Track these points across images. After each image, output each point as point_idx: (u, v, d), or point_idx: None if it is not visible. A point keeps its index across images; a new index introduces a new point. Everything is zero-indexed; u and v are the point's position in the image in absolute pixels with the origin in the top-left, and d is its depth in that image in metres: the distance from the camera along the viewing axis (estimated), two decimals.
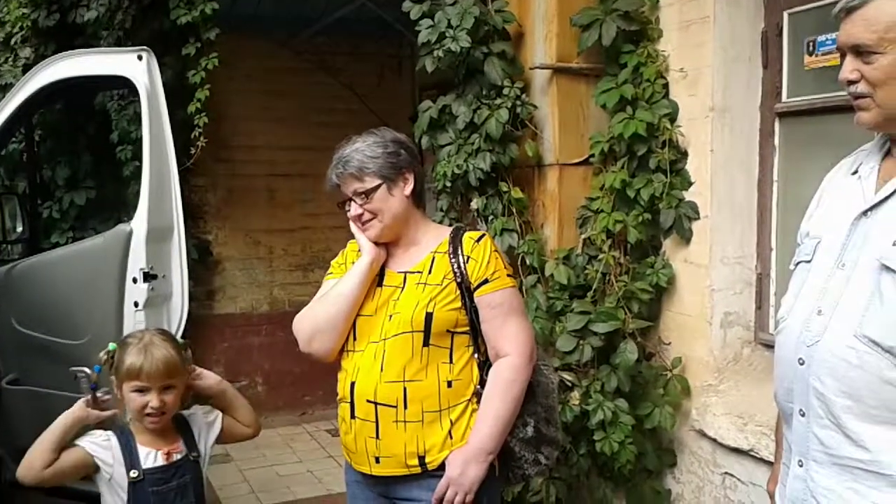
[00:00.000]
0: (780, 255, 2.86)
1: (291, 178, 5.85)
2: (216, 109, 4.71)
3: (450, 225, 2.61)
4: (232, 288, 5.79)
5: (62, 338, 3.29)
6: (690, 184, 2.95)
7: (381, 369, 2.03)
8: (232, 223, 5.73)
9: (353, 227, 2.18)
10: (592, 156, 3.19)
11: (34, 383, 3.35)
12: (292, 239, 5.95)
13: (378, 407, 2.03)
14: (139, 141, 4.03)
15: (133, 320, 3.18)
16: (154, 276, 3.22)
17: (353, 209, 2.13)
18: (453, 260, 2.09)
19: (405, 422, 2.01)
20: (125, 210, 4.62)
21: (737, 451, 2.73)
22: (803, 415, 1.48)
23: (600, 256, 3.06)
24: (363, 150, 2.13)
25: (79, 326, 3.24)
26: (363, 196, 2.11)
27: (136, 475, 2.15)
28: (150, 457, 2.19)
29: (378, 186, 2.10)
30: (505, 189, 3.21)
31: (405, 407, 2.01)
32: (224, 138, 5.42)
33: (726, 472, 2.82)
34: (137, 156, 4.44)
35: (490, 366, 2.10)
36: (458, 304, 2.06)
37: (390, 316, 2.06)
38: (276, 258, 5.92)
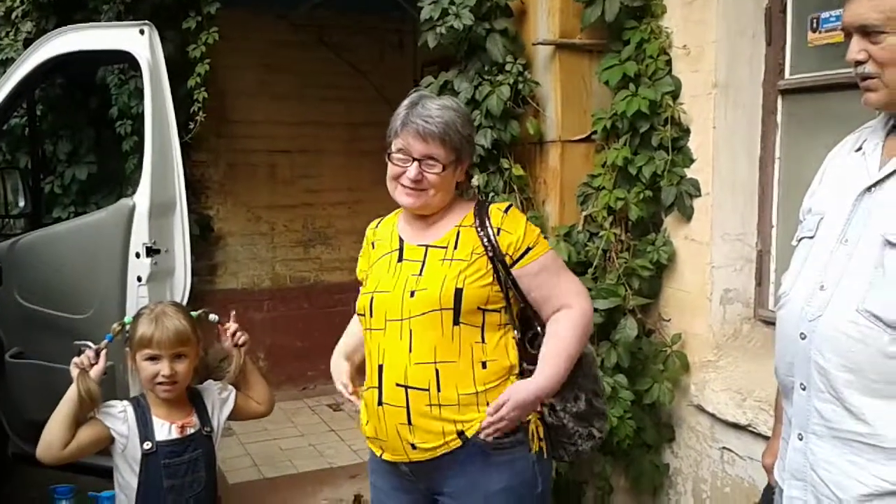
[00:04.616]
0: (780, 231, 2.88)
1: (292, 153, 5.85)
2: (217, 84, 4.70)
3: None
4: (234, 263, 5.80)
5: (66, 312, 3.30)
6: (692, 161, 2.95)
7: (410, 350, 1.90)
8: (233, 199, 5.74)
9: (392, 185, 2.02)
10: (595, 132, 3.19)
11: (38, 357, 3.36)
12: (294, 215, 5.95)
13: (409, 391, 1.90)
14: (140, 116, 4.04)
15: (136, 295, 3.18)
16: (157, 251, 3.22)
17: (413, 171, 1.94)
18: (482, 233, 1.96)
19: (440, 405, 1.88)
20: (126, 185, 4.63)
21: (735, 426, 2.75)
22: (804, 389, 1.50)
23: (601, 233, 3.07)
24: (456, 120, 1.96)
25: (82, 301, 3.25)
26: (437, 166, 1.94)
27: (149, 447, 2.19)
28: (165, 429, 2.23)
29: (452, 163, 1.97)
30: (506, 166, 3.21)
31: (439, 390, 1.88)
32: (225, 113, 5.41)
33: (724, 447, 2.85)
34: (138, 131, 4.45)
35: (532, 341, 2.02)
36: (490, 279, 1.94)
37: (412, 293, 1.92)
38: (277, 234, 5.93)
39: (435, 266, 1.96)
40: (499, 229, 1.97)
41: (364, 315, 2.02)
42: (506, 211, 2.02)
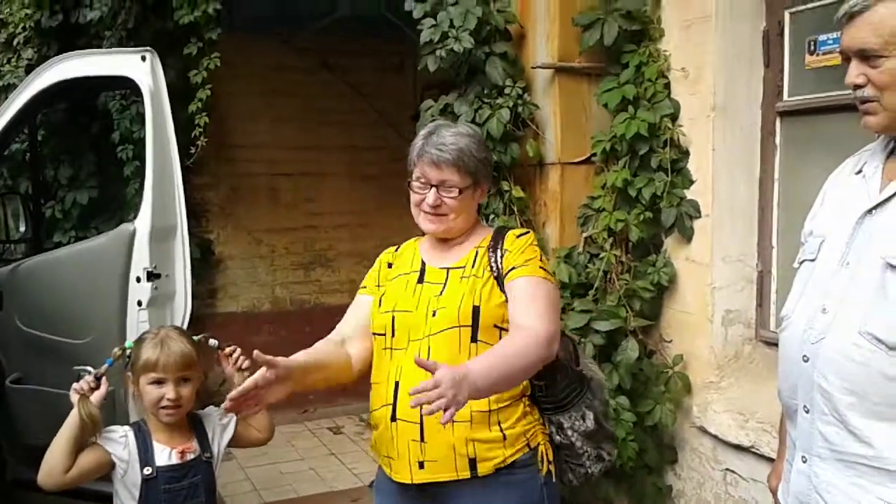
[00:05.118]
0: (781, 252, 2.88)
1: (294, 177, 5.88)
2: (219, 108, 4.73)
3: None
4: (234, 287, 5.81)
5: (66, 337, 3.29)
6: (692, 182, 2.96)
7: None
8: (234, 222, 5.75)
9: (415, 212, 2.05)
10: (594, 155, 3.20)
11: (38, 382, 3.35)
12: (294, 238, 5.96)
13: (423, 406, 1.82)
14: (141, 141, 4.06)
15: (137, 319, 3.19)
16: (157, 276, 3.22)
17: (432, 197, 1.99)
18: (492, 254, 2.01)
19: (453, 422, 1.76)
20: (127, 209, 4.64)
21: (738, 447, 2.74)
22: (807, 411, 1.50)
23: (602, 255, 3.07)
24: (470, 145, 2.01)
25: (82, 326, 3.25)
26: (454, 191, 1.99)
27: (149, 472, 2.18)
28: (165, 454, 2.22)
29: (469, 187, 2.01)
30: (506, 188, 3.22)
31: None
32: (227, 137, 5.44)
33: (727, 469, 2.84)
34: (139, 156, 4.47)
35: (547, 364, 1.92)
36: (502, 298, 1.96)
37: (434, 312, 1.95)
38: (277, 257, 5.94)
39: (455, 285, 1.99)
40: (506, 250, 2.01)
41: (384, 335, 2.02)
42: (519, 235, 2.05)
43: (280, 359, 1.84)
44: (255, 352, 1.82)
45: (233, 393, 1.82)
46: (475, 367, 1.74)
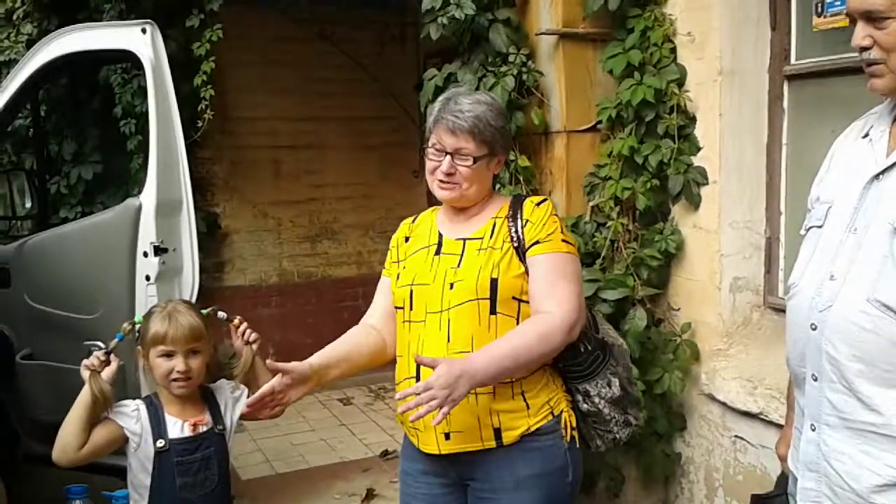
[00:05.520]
0: (789, 218, 2.86)
1: (297, 149, 5.86)
2: (219, 81, 4.69)
3: None
4: (241, 260, 5.81)
5: (74, 312, 3.31)
6: (699, 149, 2.94)
7: (448, 340, 1.92)
8: (239, 195, 5.75)
9: (430, 179, 2.05)
10: (600, 122, 3.18)
11: (48, 358, 3.38)
12: (299, 210, 5.96)
13: None
14: (144, 114, 4.04)
15: (145, 294, 3.20)
16: (165, 250, 3.23)
17: (446, 165, 1.98)
18: (511, 224, 1.99)
19: (476, 393, 1.86)
20: (132, 184, 4.64)
21: (746, 414, 2.75)
22: (816, 379, 1.49)
23: (609, 223, 3.06)
24: (487, 113, 1.98)
25: (91, 301, 3.27)
26: (468, 159, 1.97)
27: (162, 445, 2.20)
28: (177, 427, 2.24)
29: (484, 156, 1.99)
30: (512, 157, 3.19)
31: None
32: (228, 110, 5.41)
33: (736, 436, 2.85)
34: (142, 130, 4.46)
35: None
36: (521, 269, 1.95)
37: (451, 284, 1.95)
38: (284, 230, 5.94)
39: (472, 257, 1.99)
40: (527, 221, 1.99)
41: (403, 308, 2.03)
42: (538, 204, 2.03)
43: (293, 364, 1.92)
44: (268, 361, 1.89)
45: (250, 399, 1.91)
46: (477, 360, 1.80)
